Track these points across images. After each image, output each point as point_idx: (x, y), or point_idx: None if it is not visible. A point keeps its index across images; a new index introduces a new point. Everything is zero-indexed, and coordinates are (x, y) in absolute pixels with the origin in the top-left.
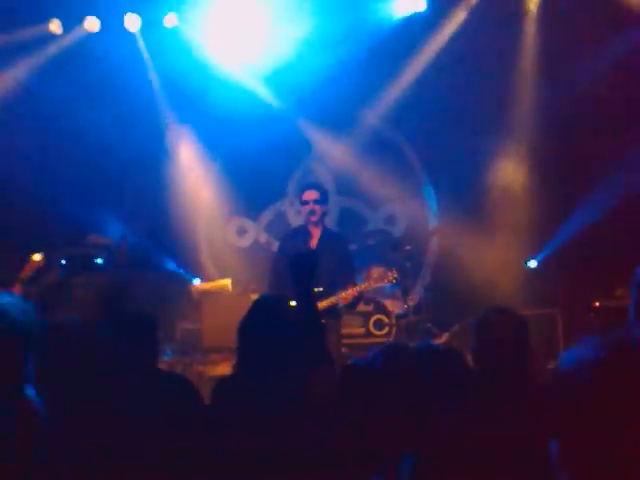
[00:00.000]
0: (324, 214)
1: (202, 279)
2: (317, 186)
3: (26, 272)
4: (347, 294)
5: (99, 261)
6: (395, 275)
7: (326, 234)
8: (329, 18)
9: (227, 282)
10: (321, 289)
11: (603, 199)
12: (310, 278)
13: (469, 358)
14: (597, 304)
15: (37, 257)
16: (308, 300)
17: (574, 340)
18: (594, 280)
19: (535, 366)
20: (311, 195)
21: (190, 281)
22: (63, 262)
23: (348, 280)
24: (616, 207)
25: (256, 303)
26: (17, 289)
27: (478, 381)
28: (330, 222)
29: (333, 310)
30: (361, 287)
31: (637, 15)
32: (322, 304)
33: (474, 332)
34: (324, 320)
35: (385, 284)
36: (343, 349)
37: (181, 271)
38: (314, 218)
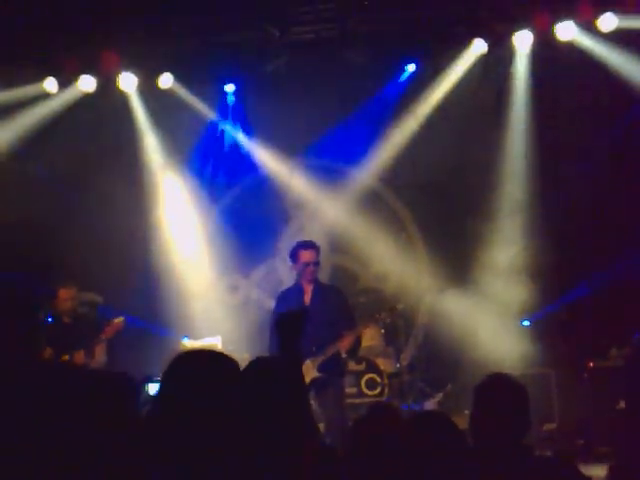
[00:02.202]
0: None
1: (189, 338)
2: (314, 245)
3: (108, 334)
4: (345, 341)
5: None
6: (387, 315)
7: (319, 288)
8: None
9: (216, 340)
10: (314, 348)
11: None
12: (297, 339)
13: (463, 420)
14: (591, 364)
15: (119, 320)
16: (294, 363)
17: (568, 401)
18: (588, 340)
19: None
20: (312, 256)
21: (180, 340)
22: (50, 320)
23: (350, 327)
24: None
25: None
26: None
27: (474, 449)
28: (322, 279)
29: (336, 366)
30: (356, 331)
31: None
32: (324, 356)
33: (474, 398)
34: (327, 376)
35: (378, 324)
36: None
37: (169, 330)
38: (312, 277)
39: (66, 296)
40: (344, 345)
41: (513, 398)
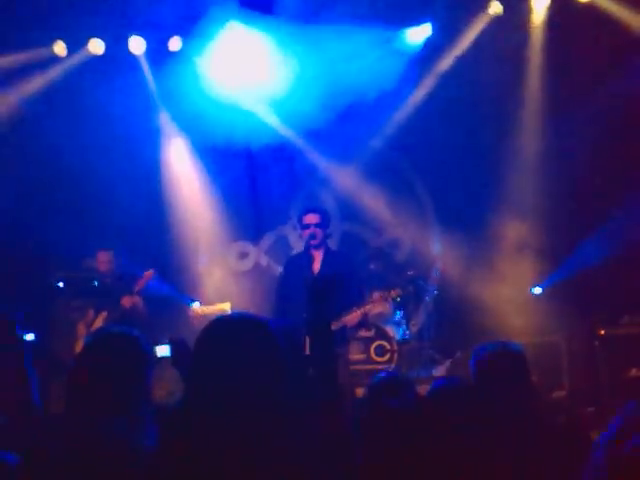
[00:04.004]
0: (326, 237)
1: (201, 303)
2: (318, 209)
3: (140, 285)
4: (352, 316)
5: (95, 284)
6: (398, 293)
7: (329, 255)
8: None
9: (226, 306)
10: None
11: (611, 235)
12: (329, 304)
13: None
14: (602, 332)
15: (149, 272)
16: (325, 328)
17: (579, 368)
18: (599, 307)
19: (539, 395)
20: (312, 219)
21: (189, 305)
22: (60, 285)
23: (356, 300)
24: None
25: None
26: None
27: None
28: (332, 245)
29: (340, 336)
30: (365, 308)
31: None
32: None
33: (473, 370)
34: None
35: (389, 302)
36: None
37: (180, 295)
38: (315, 242)
39: (104, 259)
40: (351, 321)
41: (511, 366)
